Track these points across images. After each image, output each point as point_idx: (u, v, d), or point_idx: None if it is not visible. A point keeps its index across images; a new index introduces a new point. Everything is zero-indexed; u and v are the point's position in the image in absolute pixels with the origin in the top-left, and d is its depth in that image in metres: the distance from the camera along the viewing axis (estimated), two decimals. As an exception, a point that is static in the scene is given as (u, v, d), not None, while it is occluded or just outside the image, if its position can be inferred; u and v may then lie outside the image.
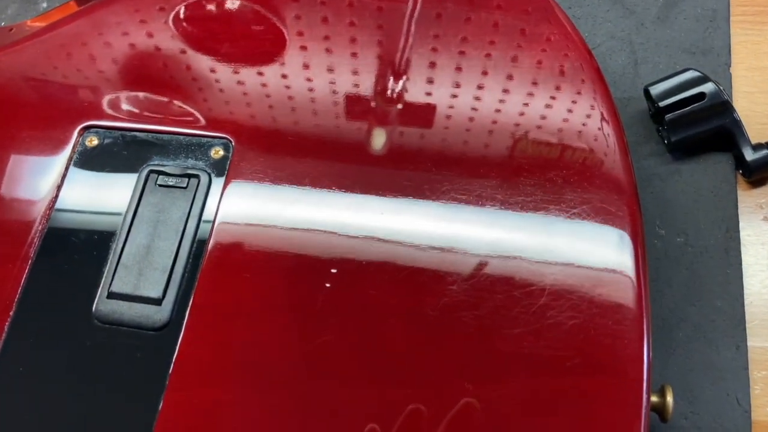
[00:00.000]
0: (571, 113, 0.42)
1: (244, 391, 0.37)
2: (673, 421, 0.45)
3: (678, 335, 0.48)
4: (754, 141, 0.52)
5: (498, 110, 0.43)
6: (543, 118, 0.42)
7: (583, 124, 0.42)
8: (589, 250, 0.38)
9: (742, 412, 0.46)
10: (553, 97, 0.43)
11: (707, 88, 0.50)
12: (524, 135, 0.42)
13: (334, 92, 0.45)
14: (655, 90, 0.52)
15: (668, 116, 0.51)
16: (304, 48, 0.46)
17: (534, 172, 0.41)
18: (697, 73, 0.51)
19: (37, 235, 0.42)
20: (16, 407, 0.38)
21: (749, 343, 0.47)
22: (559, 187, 0.40)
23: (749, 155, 0.51)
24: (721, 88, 0.51)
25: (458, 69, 0.45)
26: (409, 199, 0.40)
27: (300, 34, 0.47)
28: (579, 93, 0.43)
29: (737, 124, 0.51)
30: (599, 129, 0.41)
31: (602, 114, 0.42)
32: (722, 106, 0.50)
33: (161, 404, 0.36)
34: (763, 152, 0.51)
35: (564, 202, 0.40)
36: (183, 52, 0.47)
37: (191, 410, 0.37)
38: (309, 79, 0.45)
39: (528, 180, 0.40)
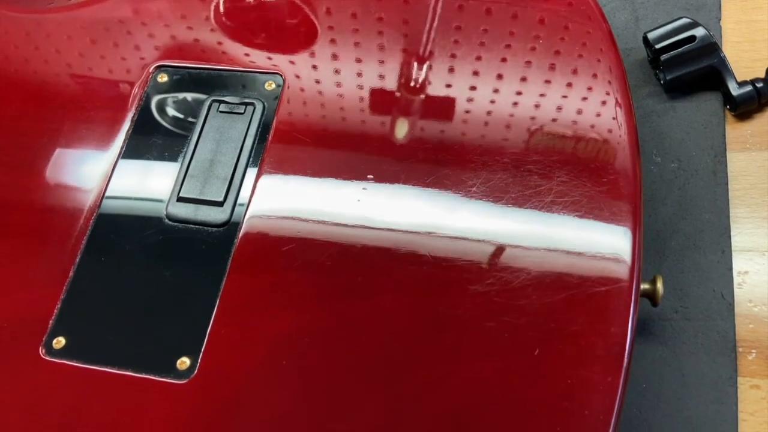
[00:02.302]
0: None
1: (293, 274, 0.41)
2: (665, 315, 0.50)
3: (671, 244, 0.52)
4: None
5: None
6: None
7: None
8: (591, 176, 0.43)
9: (726, 305, 0.50)
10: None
11: (698, 31, 0.55)
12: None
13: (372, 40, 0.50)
14: (653, 35, 0.57)
15: (663, 56, 0.56)
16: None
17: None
18: (689, 20, 0.56)
19: (119, 152, 0.47)
20: (100, 290, 0.43)
21: (733, 248, 0.52)
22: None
23: (735, 90, 0.55)
24: (711, 32, 0.56)
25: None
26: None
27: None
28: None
29: (724, 63, 0.56)
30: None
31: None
32: (711, 47, 0.55)
33: (222, 285, 0.41)
34: (747, 88, 0.55)
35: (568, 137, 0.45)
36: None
37: (248, 290, 0.41)
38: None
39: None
